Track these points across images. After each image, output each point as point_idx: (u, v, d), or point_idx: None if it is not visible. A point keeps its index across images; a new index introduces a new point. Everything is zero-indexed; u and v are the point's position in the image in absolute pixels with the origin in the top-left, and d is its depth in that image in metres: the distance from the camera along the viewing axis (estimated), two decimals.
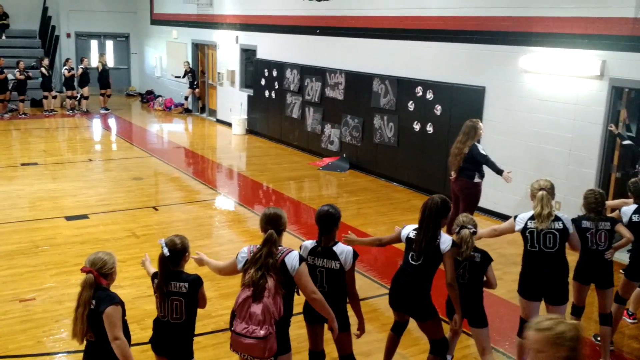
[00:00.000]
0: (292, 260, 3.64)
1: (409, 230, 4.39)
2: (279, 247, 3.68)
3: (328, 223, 3.99)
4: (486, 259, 4.37)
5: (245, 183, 11.02)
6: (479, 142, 7.13)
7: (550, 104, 8.20)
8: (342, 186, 10.77)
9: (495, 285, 4.41)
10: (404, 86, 10.52)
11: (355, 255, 3.99)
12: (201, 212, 9.13)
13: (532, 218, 4.58)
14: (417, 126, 10.31)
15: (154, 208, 9.04)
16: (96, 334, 3.40)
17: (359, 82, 11.57)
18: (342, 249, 3.98)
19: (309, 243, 4.09)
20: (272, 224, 3.70)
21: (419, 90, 10.19)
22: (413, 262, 4.25)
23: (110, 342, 3.34)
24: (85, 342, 3.50)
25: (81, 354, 4.73)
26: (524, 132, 8.53)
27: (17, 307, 5.68)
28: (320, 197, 10.14)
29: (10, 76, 16.21)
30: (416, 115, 10.32)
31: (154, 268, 3.86)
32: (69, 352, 4.97)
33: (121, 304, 3.43)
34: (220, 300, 5.77)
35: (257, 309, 3.47)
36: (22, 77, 16.14)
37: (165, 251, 3.61)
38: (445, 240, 4.22)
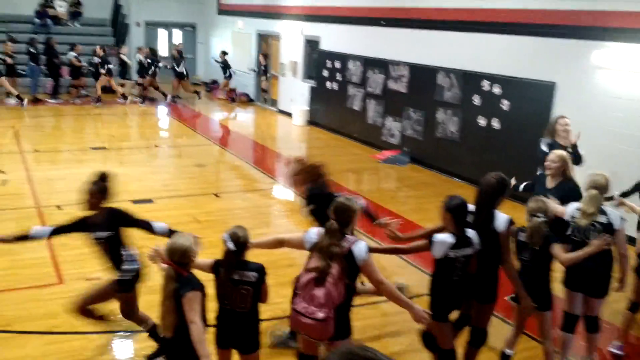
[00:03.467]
0: (360, 250, 3.69)
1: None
2: (347, 236, 3.71)
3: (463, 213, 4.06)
4: (548, 239, 4.29)
5: None
6: (553, 138, 6.84)
7: (624, 102, 7.82)
8: (402, 180, 10.65)
9: (563, 260, 4.32)
10: (469, 80, 10.29)
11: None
12: (260, 200, 9.24)
13: (579, 209, 4.53)
14: (482, 121, 10.06)
15: (215, 195, 9.21)
16: (176, 316, 3.49)
17: (422, 75, 11.39)
18: (472, 234, 4.05)
19: (445, 237, 4.02)
20: (337, 214, 3.76)
21: (485, 84, 9.94)
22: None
23: (188, 325, 3.43)
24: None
25: (141, 334, 4.91)
26: (596, 130, 8.17)
27: (83, 286, 5.89)
28: (380, 190, 10.07)
29: (83, 62, 16.76)
30: (481, 109, 10.07)
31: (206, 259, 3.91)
32: (132, 332, 5.14)
33: (201, 289, 3.52)
34: (277, 288, 5.79)
35: (319, 292, 3.56)
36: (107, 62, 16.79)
37: (231, 246, 3.67)
38: (500, 220, 4.15)
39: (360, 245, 3.72)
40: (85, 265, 6.36)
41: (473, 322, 4.42)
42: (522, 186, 5.92)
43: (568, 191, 5.04)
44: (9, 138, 12.09)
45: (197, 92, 17.94)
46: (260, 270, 3.76)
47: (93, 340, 4.98)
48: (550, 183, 5.27)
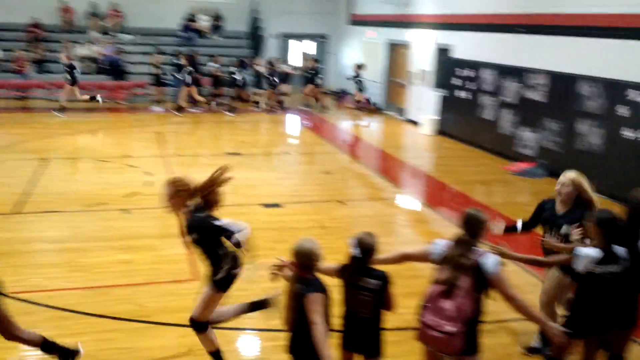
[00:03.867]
0: (489, 263, 3.57)
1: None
2: (475, 249, 3.60)
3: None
4: None
5: (431, 183, 10.86)
6: None
7: None
8: (537, 194, 10.06)
9: None
10: (615, 89, 9.56)
11: None
12: (385, 209, 9.19)
13: None
14: (629, 133, 9.29)
15: (341, 202, 9.29)
16: (300, 317, 3.58)
17: (562, 83, 10.77)
18: (621, 250, 3.82)
19: (590, 250, 3.84)
20: (468, 225, 3.67)
21: (632, 93, 9.17)
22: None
23: (310, 326, 3.49)
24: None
25: (268, 333, 5.05)
26: None
27: None
28: (512, 203, 9.62)
29: (210, 69, 17.63)
30: (629, 121, 9.31)
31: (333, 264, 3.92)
32: (260, 330, 5.31)
33: (325, 292, 3.58)
34: (404, 298, 5.71)
35: (448, 304, 3.48)
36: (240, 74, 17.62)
37: (356, 252, 3.69)
38: None
39: (489, 258, 3.61)
40: None
41: (611, 347, 4.09)
42: (519, 223, 5.06)
43: (580, 218, 4.36)
44: (153, 142, 13.07)
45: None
46: (384, 278, 3.75)
47: (224, 335, 5.19)
48: (560, 208, 4.67)
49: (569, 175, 4.68)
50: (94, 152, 12.10)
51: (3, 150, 12.01)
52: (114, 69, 17.92)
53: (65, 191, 9.18)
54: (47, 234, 7.46)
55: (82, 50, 18.42)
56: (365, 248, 3.72)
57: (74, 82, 15.60)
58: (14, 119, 15.18)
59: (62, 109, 15.48)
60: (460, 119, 14.08)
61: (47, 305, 5.57)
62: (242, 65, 17.90)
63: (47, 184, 9.51)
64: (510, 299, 3.60)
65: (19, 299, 5.64)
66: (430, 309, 3.57)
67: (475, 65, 13.39)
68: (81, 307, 5.55)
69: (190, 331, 5.05)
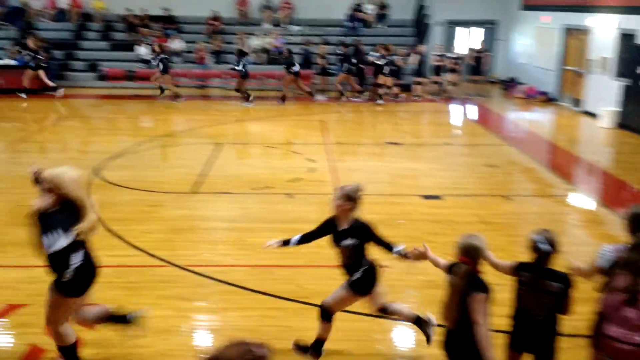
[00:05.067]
0: None
1: None
2: None
3: None
4: None
5: (609, 182, 9.95)
6: None
7: None
8: None
9: None
10: None
11: None
12: (555, 207, 8.59)
13: None
14: None
15: (505, 197, 8.86)
16: (461, 315, 3.50)
17: None
18: None
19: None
20: None
21: None
22: None
23: (472, 325, 3.41)
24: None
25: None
26: None
27: None
28: None
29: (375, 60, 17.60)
30: None
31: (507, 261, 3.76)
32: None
33: (487, 292, 3.48)
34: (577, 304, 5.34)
35: (633, 314, 3.22)
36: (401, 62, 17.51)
37: (547, 248, 3.51)
38: None
39: None
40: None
41: None
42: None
43: None
44: (317, 130, 13.47)
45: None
46: (567, 280, 3.55)
47: (380, 323, 5.21)
48: None
49: None
50: (262, 138, 12.78)
51: (184, 135, 13.16)
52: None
53: (236, 174, 9.81)
54: (220, 213, 8.04)
55: (256, 42, 19.51)
56: (553, 244, 3.54)
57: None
58: (194, 106, 16.54)
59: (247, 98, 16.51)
60: None
61: (218, 280, 6.00)
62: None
63: (220, 167, 10.24)
64: None
65: (194, 272, 6.15)
66: (613, 321, 3.30)
67: None
68: (247, 284, 5.90)
69: (344, 315, 5.15)
